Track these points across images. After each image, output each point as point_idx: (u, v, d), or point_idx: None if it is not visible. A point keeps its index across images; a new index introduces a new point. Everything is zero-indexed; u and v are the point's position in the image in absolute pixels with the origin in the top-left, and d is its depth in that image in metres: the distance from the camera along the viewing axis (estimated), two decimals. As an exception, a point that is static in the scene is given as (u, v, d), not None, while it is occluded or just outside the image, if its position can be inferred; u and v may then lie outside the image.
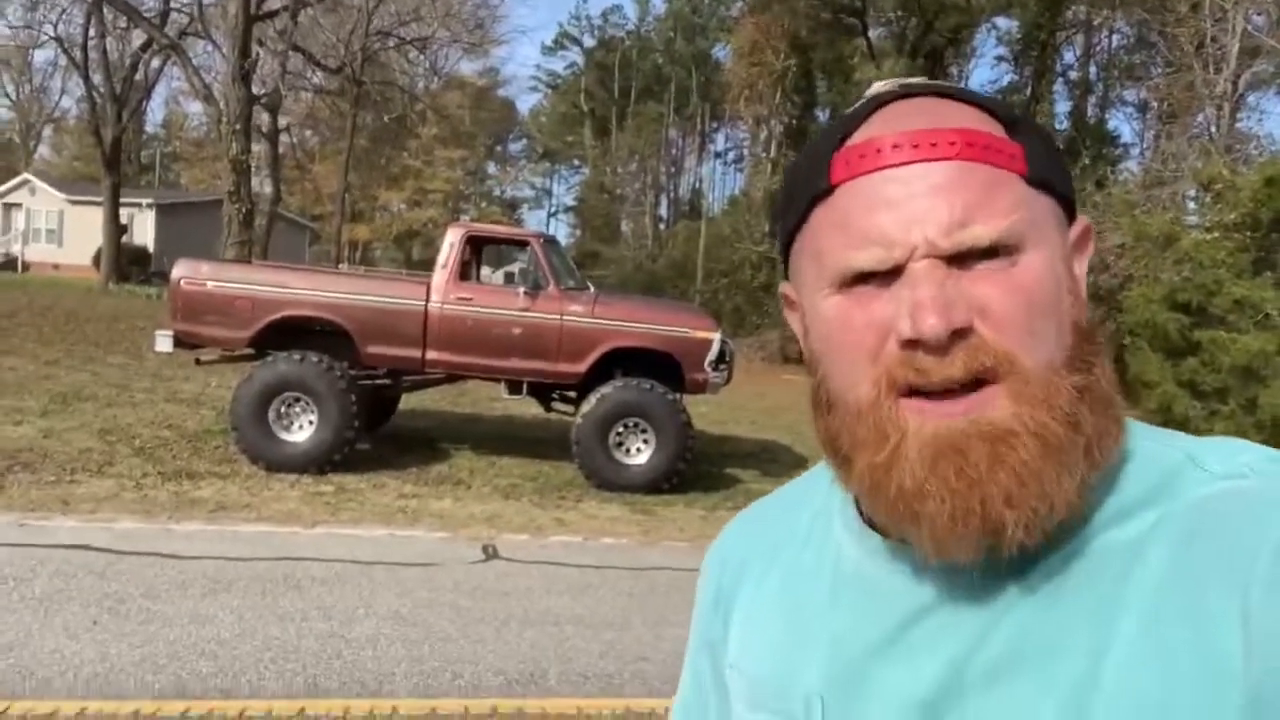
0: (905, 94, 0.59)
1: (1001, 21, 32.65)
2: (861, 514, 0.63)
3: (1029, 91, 32.09)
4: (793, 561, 0.68)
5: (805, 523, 0.70)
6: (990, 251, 0.54)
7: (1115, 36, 32.91)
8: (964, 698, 0.54)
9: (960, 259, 0.54)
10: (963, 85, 0.62)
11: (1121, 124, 44.66)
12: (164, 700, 3.35)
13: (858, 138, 0.58)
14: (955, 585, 0.57)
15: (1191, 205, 17.84)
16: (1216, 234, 12.94)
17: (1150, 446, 0.58)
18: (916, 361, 0.54)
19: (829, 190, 0.58)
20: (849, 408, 0.57)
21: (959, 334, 0.53)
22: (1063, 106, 32.93)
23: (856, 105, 0.61)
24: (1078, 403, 0.54)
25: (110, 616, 4.06)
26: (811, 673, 0.62)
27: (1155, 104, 29.04)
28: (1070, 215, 0.60)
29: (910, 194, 0.55)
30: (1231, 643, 0.47)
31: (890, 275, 0.55)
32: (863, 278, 0.56)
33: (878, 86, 0.62)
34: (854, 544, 0.64)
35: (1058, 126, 31.21)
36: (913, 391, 0.54)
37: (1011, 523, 0.52)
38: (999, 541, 0.53)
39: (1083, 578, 0.54)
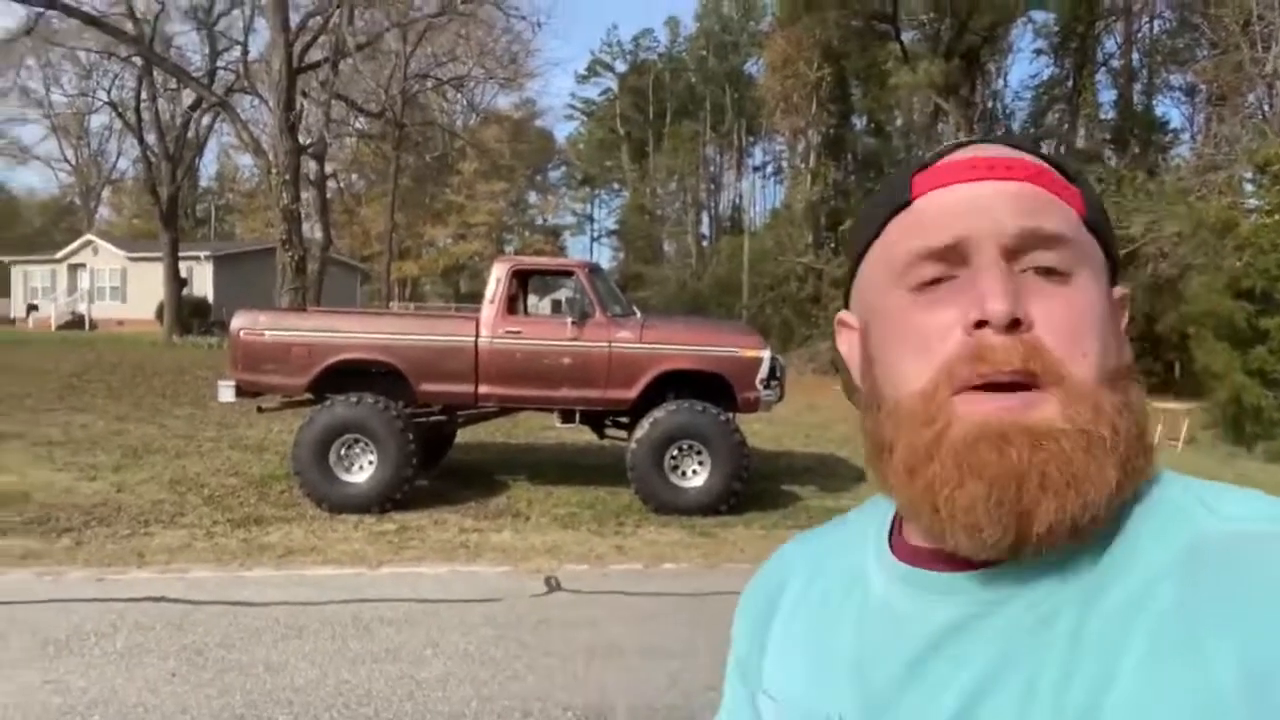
0: (976, 141, 0.64)
1: (1038, 15, 32.19)
2: (890, 544, 0.66)
3: (1071, 83, 31.55)
4: (824, 591, 0.70)
5: (838, 554, 0.72)
6: (1046, 269, 0.57)
7: (1157, 21, 32.19)
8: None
9: (1019, 254, 0.57)
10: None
11: (1170, 109, 43.68)
12: (243, 749, 3.42)
13: (936, 164, 0.63)
14: (972, 615, 0.58)
15: (1249, 188, 17.33)
16: (1277, 217, 12.55)
17: (1165, 490, 0.59)
18: (981, 347, 0.56)
19: (907, 204, 0.63)
20: (900, 400, 0.59)
21: (1019, 324, 0.55)
22: (1107, 96, 32.27)
23: (939, 149, 0.66)
24: (1116, 415, 0.56)
25: (188, 668, 4.16)
26: (837, 700, 0.63)
27: (1203, 87, 28.31)
28: (1114, 277, 0.64)
29: (981, 196, 0.59)
30: (1228, 680, 0.48)
31: (955, 265, 0.59)
32: (931, 280, 0.59)
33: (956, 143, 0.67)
34: (881, 573, 0.65)
35: (1103, 116, 30.59)
36: (969, 388, 0.56)
37: (1044, 509, 0.53)
38: (1029, 525, 0.54)
39: (1092, 615, 0.54)
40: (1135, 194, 19.53)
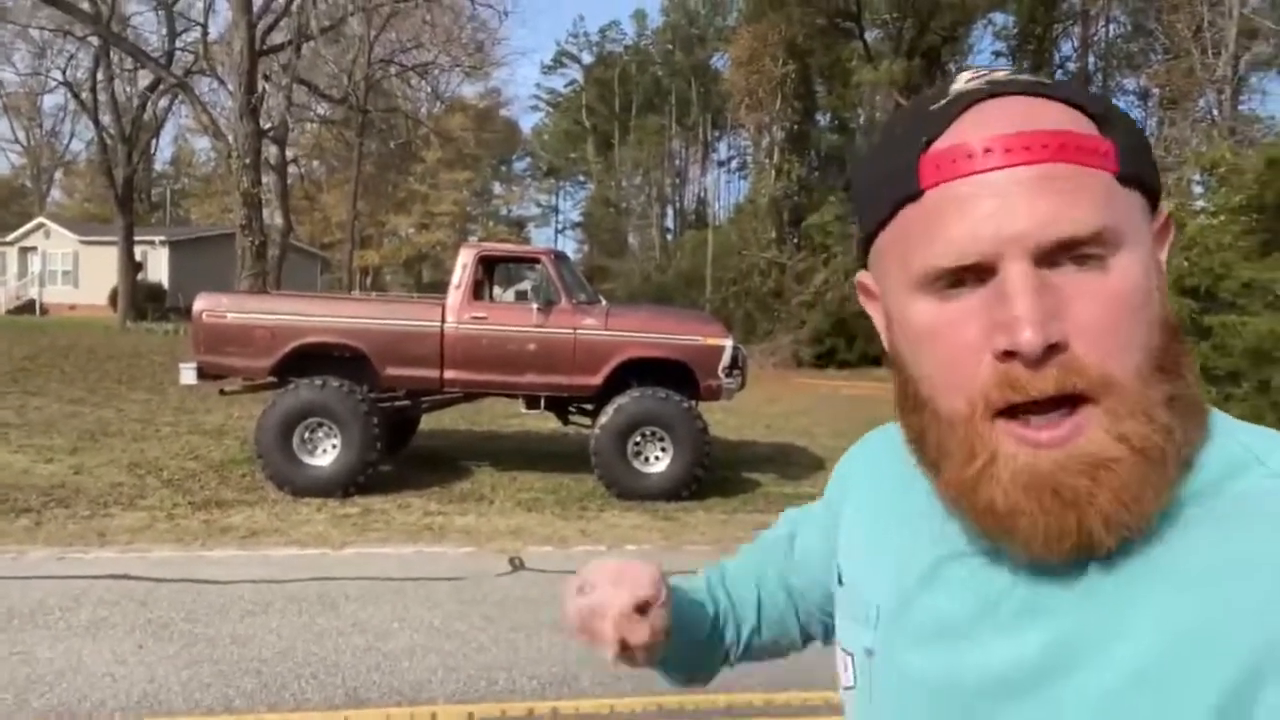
0: (991, 93, 0.58)
1: (998, 17, 32.78)
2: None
3: (1028, 85, 32.14)
4: (883, 490, 0.74)
5: (896, 457, 0.72)
6: (1082, 255, 0.54)
7: (1112, 25, 32.95)
8: (982, 631, 0.60)
9: (1051, 260, 0.54)
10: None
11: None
12: (213, 715, 3.47)
13: (945, 141, 0.57)
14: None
15: (1198, 190, 17.86)
16: (1223, 217, 12.96)
17: (1222, 441, 0.59)
18: (1012, 376, 0.54)
19: (918, 194, 0.58)
20: (939, 416, 0.58)
21: (1054, 348, 0.53)
22: (1063, 98, 32.93)
23: (942, 103, 0.59)
24: (1171, 413, 0.54)
25: (155, 640, 4.19)
26: (879, 591, 0.69)
27: (1156, 91, 29.05)
28: (1155, 203, 0.60)
29: (1002, 197, 0.54)
30: (1242, 635, 0.51)
31: (982, 275, 0.55)
32: (954, 281, 0.56)
33: (962, 83, 0.60)
34: (925, 481, 0.66)
35: (1059, 118, 31.21)
36: (1008, 410, 0.55)
37: (1107, 538, 0.54)
38: (1090, 549, 0.55)
39: (1125, 569, 0.56)
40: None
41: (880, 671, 0.67)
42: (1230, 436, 0.59)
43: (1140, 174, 0.58)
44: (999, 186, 0.54)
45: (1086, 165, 0.55)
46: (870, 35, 30.58)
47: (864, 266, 0.67)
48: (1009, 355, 0.53)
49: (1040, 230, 0.53)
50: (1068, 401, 0.54)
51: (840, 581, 0.75)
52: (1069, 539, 0.54)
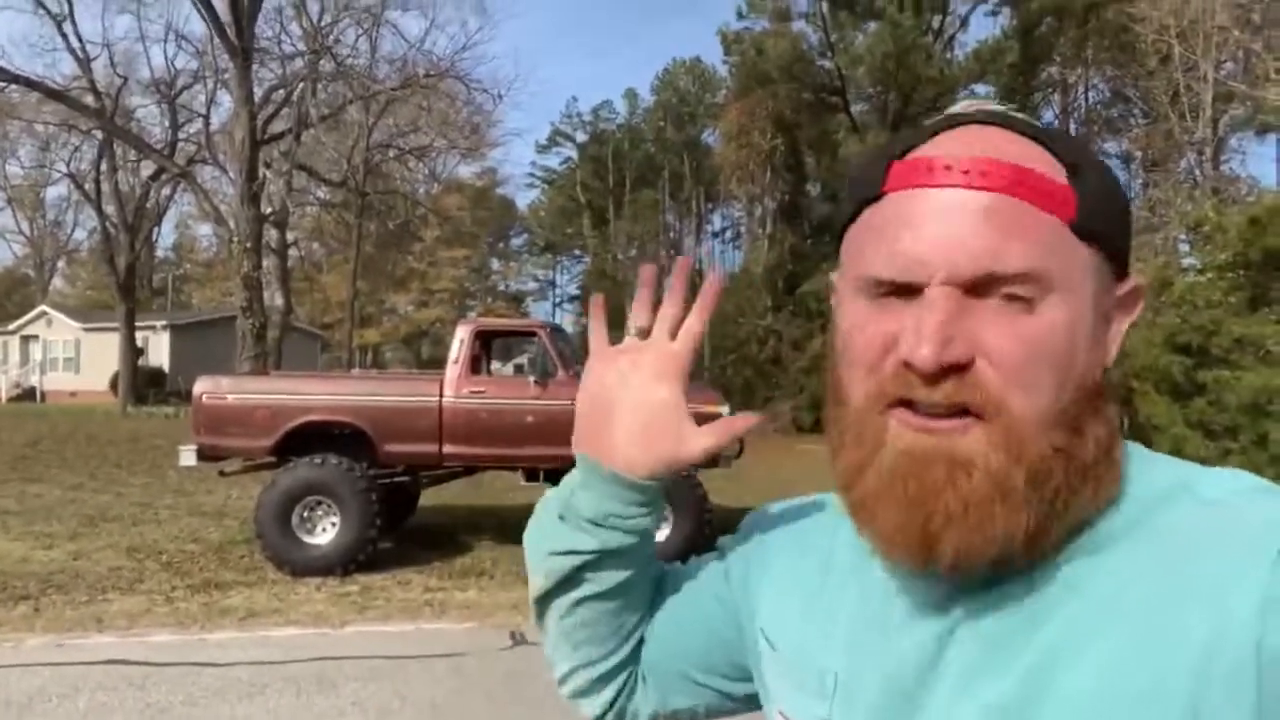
0: (977, 119, 0.60)
1: (979, 88, 33.68)
2: None
3: (1013, 151, 32.85)
4: (839, 557, 0.71)
5: (830, 513, 0.74)
6: (1009, 292, 0.55)
7: (1092, 93, 33.88)
8: (936, 687, 0.59)
9: (979, 290, 0.55)
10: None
11: (1108, 175, 45.61)
12: (210, 801, 3.43)
13: (917, 153, 0.59)
14: (932, 586, 0.61)
15: (1185, 248, 18.15)
16: (1210, 275, 13.15)
17: (1147, 477, 0.59)
18: (908, 380, 0.56)
19: (878, 196, 0.60)
20: (848, 407, 0.61)
21: (952, 368, 0.54)
22: (1048, 163, 33.62)
23: (934, 120, 0.62)
24: (1050, 459, 0.55)
25: (152, 725, 4.15)
26: (834, 658, 0.66)
27: (1138, 154, 29.70)
28: (1122, 270, 0.60)
29: (945, 217, 0.56)
30: (1181, 660, 0.50)
31: (912, 292, 0.57)
32: (888, 290, 0.58)
33: (958, 106, 0.64)
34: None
35: (1045, 182, 31.83)
36: (901, 402, 0.57)
37: (946, 542, 0.55)
38: (934, 552, 0.56)
39: (1052, 595, 0.56)
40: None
41: None
42: (1154, 468, 0.60)
43: (1102, 231, 0.58)
44: (946, 206, 0.56)
45: (1037, 205, 0.56)
46: (856, 108, 31.41)
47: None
48: (908, 365, 0.56)
49: (970, 261, 0.54)
50: (959, 413, 0.56)
51: (772, 646, 0.72)
52: (915, 531, 0.56)
